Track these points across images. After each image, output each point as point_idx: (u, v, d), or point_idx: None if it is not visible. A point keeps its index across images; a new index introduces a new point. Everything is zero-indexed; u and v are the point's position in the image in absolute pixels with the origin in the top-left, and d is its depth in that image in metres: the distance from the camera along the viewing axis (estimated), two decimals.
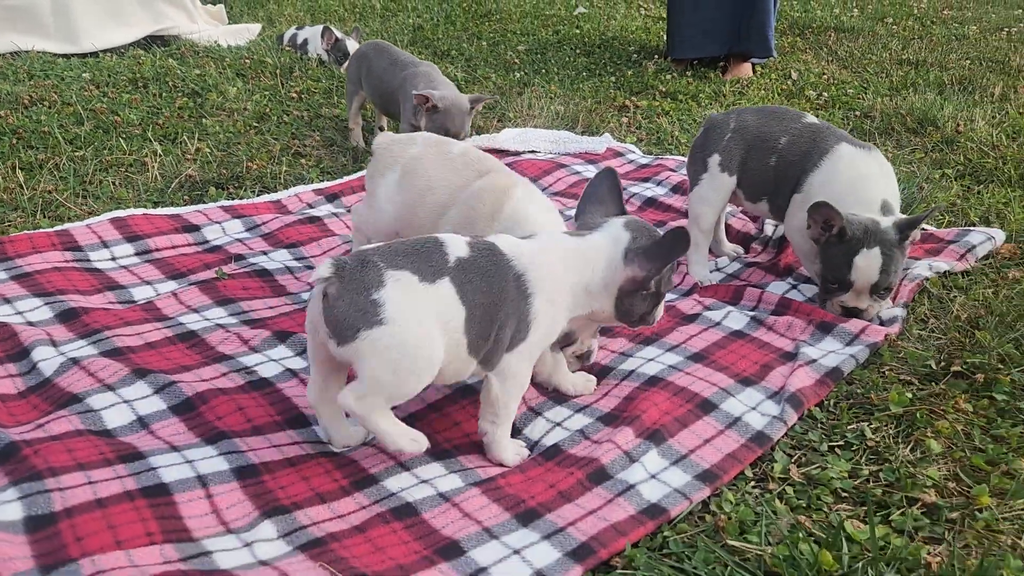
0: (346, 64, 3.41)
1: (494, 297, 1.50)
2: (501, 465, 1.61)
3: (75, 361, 1.77)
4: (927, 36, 5.84)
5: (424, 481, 1.54)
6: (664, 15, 6.26)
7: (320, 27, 4.64)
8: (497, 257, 1.53)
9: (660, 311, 1.71)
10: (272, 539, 1.36)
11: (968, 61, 5.09)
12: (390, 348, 1.40)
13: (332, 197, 2.84)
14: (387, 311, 1.39)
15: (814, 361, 1.91)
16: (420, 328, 1.42)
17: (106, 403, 1.66)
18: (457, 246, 1.52)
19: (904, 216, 2.14)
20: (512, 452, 1.63)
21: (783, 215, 2.34)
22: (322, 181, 2.98)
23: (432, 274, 1.45)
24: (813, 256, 2.19)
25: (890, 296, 2.15)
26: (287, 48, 4.68)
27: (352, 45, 4.43)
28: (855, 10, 6.69)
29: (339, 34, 4.47)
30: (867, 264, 2.04)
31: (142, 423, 1.63)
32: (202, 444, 1.57)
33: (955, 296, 2.24)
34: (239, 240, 2.51)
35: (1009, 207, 2.80)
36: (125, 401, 1.67)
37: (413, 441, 1.52)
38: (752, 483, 1.60)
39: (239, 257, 2.39)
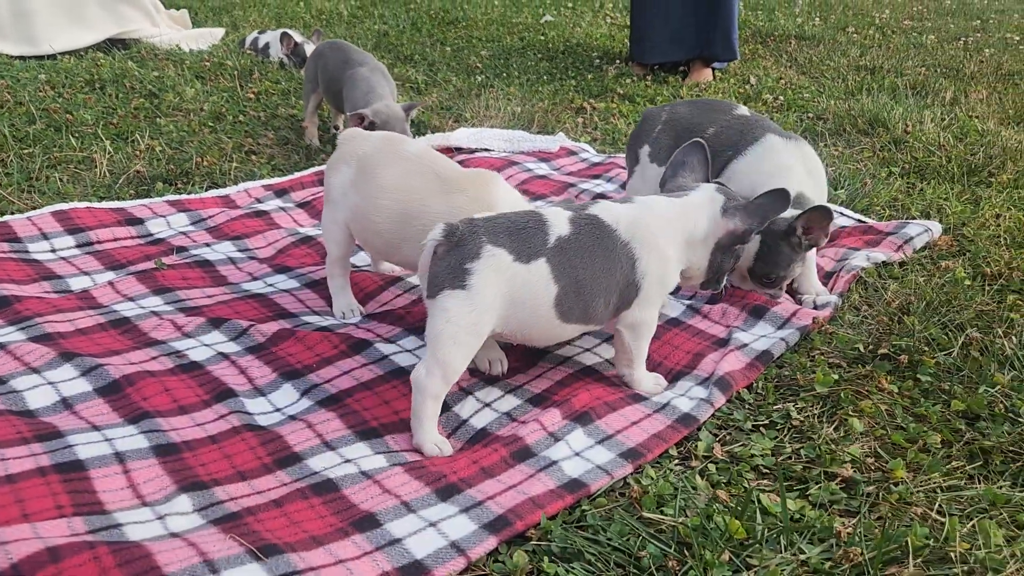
0: (307, 64, 3.41)
1: (598, 269, 1.66)
2: (646, 395, 1.78)
3: (1, 346, 1.76)
4: (886, 44, 5.94)
5: (348, 460, 1.54)
6: (627, 23, 6.34)
7: (282, 31, 4.65)
8: (601, 230, 1.68)
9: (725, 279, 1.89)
10: (187, 512, 1.36)
11: (923, 68, 5.18)
12: (455, 313, 1.55)
13: (281, 192, 2.85)
14: (471, 280, 1.55)
15: (745, 345, 1.93)
16: (487, 308, 1.57)
17: (30, 384, 1.65)
18: (559, 224, 1.65)
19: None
20: (651, 383, 1.82)
21: None
22: (272, 177, 2.98)
23: (528, 255, 1.60)
24: None
25: (777, 288, 2.14)
26: (248, 52, 4.69)
27: (311, 49, 4.44)
28: (817, 19, 6.79)
29: (298, 38, 4.48)
30: (747, 248, 2.05)
31: (65, 404, 1.62)
32: (124, 424, 1.57)
33: (888, 284, 2.28)
34: (183, 233, 2.51)
35: (948, 201, 2.85)
36: (50, 383, 1.67)
37: (435, 446, 1.60)
38: (676, 461, 1.62)
39: (181, 249, 2.39)
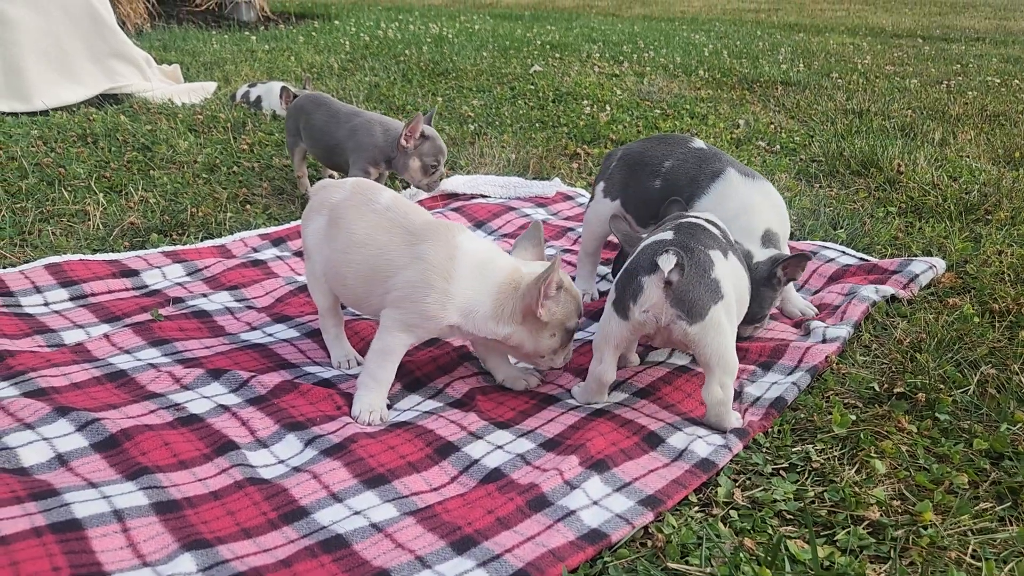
0: (287, 118, 3.40)
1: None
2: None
3: None
4: (871, 89, 6.03)
5: (357, 512, 1.48)
6: (616, 72, 6.42)
7: (273, 83, 4.67)
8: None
9: None
10: (191, 573, 1.29)
11: (910, 110, 5.25)
12: (725, 322, 1.70)
13: (278, 241, 2.81)
14: (723, 288, 1.71)
15: (758, 399, 1.89)
16: (733, 307, 1.76)
17: (24, 441, 1.59)
18: (704, 221, 1.88)
19: (781, 253, 2.12)
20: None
21: None
22: (268, 227, 2.95)
23: (723, 249, 1.80)
24: None
25: (762, 324, 2.19)
26: (240, 104, 4.69)
27: None
28: (801, 66, 6.90)
29: (295, 91, 4.49)
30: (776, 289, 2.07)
31: (61, 460, 1.56)
32: (122, 480, 1.50)
33: (897, 323, 2.25)
34: (179, 284, 2.46)
35: (949, 239, 2.85)
36: (44, 439, 1.60)
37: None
38: (696, 508, 1.56)
39: (177, 300, 2.34)
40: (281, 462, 1.65)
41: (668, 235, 1.81)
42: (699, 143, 2.32)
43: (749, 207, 2.15)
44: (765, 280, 2.05)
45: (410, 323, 1.80)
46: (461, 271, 1.79)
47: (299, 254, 2.74)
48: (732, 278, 1.80)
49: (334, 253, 1.92)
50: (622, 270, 1.80)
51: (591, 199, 2.52)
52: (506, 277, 1.82)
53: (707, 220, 1.93)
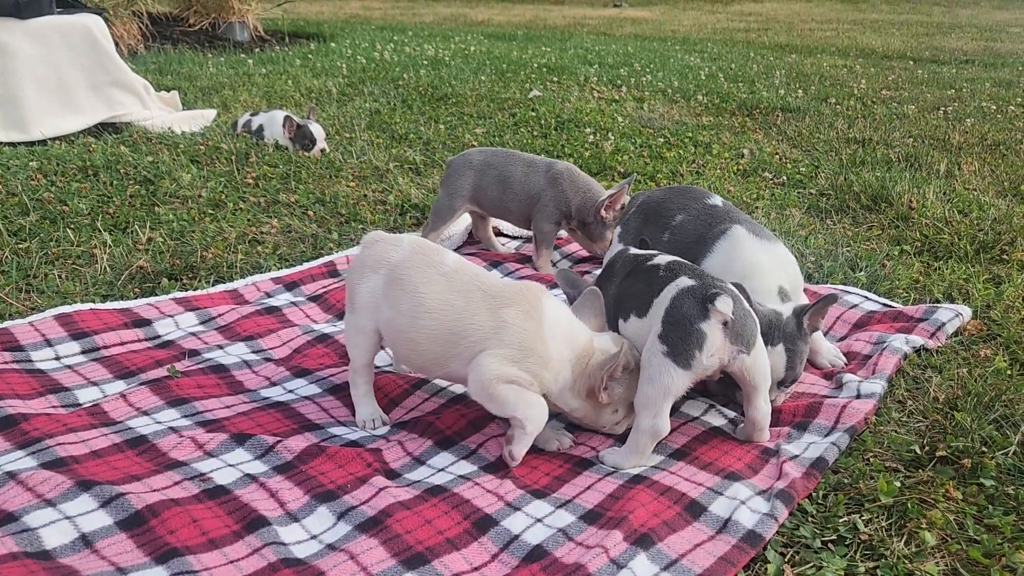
0: (449, 176, 3.08)
1: None
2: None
3: (11, 475, 1.63)
4: (870, 115, 6.05)
5: None
6: (616, 97, 6.41)
7: (275, 112, 4.61)
8: None
9: None
10: None
11: (911, 139, 5.26)
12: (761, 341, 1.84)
13: (291, 285, 2.75)
14: (757, 338, 1.83)
15: (796, 456, 1.85)
16: None
17: (45, 520, 1.52)
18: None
19: (802, 304, 2.08)
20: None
21: None
22: (280, 269, 2.89)
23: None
24: None
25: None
26: (242, 134, 4.63)
27: (316, 128, 4.41)
28: (799, 91, 6.92)
29: (299, 120, 4.44)
30: (774, 363, 1.94)
31: (85, 541, 1.49)
32: (151, 564, 1.44)
33: (930, 376, 2.22)
34: (193, 334, 2.39)
35: (971, 283, 2.82)
36: (67, 517, 1.53)
37: None
38: None
39: (193, 352, 2.28)
40: (314, 537, 1.59)
41: (689, 281, 1.81)
42: (716, 200, 2.30)
43: (756, 266, 2.11)
44: (796, 334, 2.00)
45: (503, 375, 1.77)
46: (551, 336, 1.80)
47: (314, 299, 2.68)
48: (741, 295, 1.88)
49: (399, 317, 1.86)
50: (663, 323, 1.78)
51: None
52: (583, 349, 1.82)
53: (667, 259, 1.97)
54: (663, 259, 1.95)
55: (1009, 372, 2.22)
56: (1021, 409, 2.02)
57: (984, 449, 1.87)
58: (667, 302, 1.80)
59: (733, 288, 1.83)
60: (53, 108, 4.41)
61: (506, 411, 1.78)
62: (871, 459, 1.87)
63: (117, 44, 7.54)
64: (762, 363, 1.83)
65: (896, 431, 1.97)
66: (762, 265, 2.11)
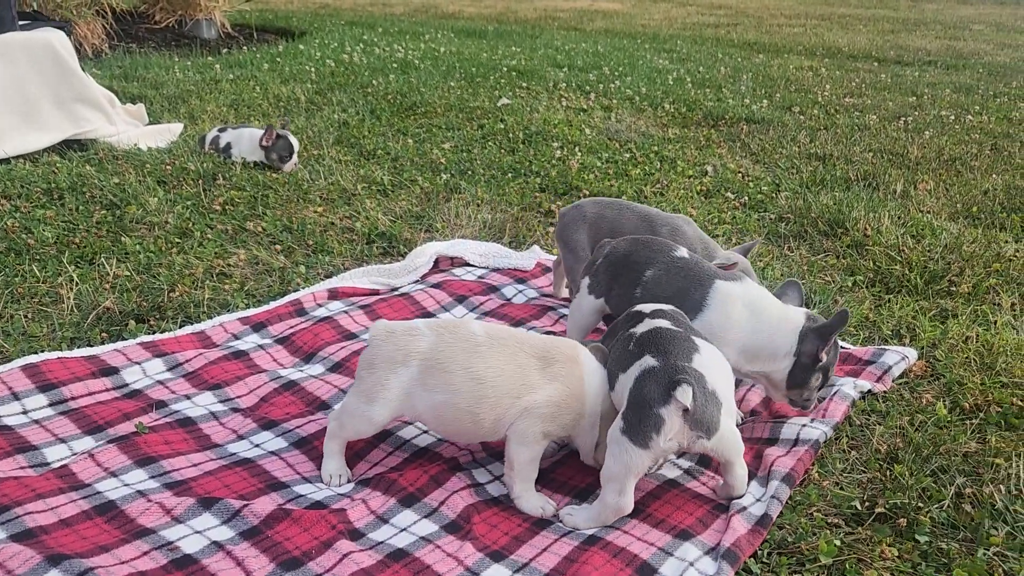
0: (564, 231, 2.94)
1: None
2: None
3: None
4: (832, 126, 6.17)
5: None
6: (584, 106, 6.46)
7: (243, 129, 4.61)
8: None
9: None
10: None
11: (871, 153, 5.39)
12: (728, 422, 1.87)
13: (258, 326, 2.79)
14: (719, 389, 1.85)
15: (744, 509, 1.94)
16: None
17: None
18: (660, 320, 2.04)
19: (812, 322, 2.24)
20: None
21: None
22: (247, 308, 2.92)
23: (692, 338, 1.96)
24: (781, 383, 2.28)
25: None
26: (209, 151, 4.63)
27: (294, 140, 4.43)
28: (764, 100, 7.02)
29: (280, 131, 4.45)
30: (835, 355, 2.26)
31: None
32: None
33: (874, 424, 2.32)
34: (160, 382, 2.43)
35: (918, 320, 2.94)
36: None
37: None
38: None
39: (160, 404, 2.31)
40: None
41: (652, 361, 1.87)
42: (682, 252, 2.36)
43: (758, 307, 2.24)
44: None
45: (549, 432, 1.98)
46: (590, 389, 2.00)
47: (281, 341, 2.72)
48: (714, 363, 1.92)
49: (450, 396, 1.95)
50: (628, 402, 1.85)
51: (576, 291, 2.56)
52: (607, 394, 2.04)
53: (657, 314, 2.05)
54: (641, 327, 2.01)
55: (949, 418, 2.33)
56: (957, 461, 2.13)
57: (920, 504, 1.97)
58: (631, 381, 1.88)
59: (697, 360, 1.87)
60: (17, 125, 4.37)
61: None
62: (814, 514, 1.96)
63: (81, 45, 7.48)
64: (728, 441, 1.88)
65: (839, 484, 2.07)
66: (762, 300, 2.27)
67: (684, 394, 1.75)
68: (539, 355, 1.99)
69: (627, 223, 2.85)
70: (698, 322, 2.21)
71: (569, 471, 2.15)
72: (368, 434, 2.09)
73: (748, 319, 2.22)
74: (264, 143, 4.43)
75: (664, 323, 2.00)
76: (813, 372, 2.21)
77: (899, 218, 4.03)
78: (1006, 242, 3.78)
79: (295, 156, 4.47)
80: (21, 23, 4.65)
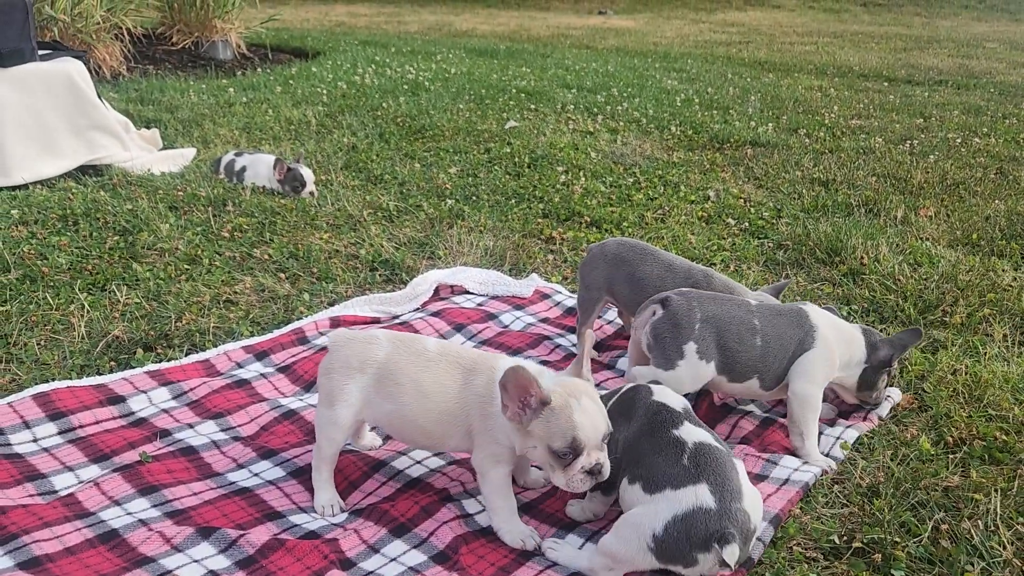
0: (583, 267, 2.97)
1: None
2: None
3: None
4: (837, 149, 6.21)
5: None
6: (591, 128, 6.54)
7: (259, 155, 4.73)
8: None
9: None
10: None
11: (874, 178, 5.43)
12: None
13: (261, 355, 2.87)
14: (749, 507, 1.82)
15: None
16: None
17: None
18: (670, 403, 2.05)
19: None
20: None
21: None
22: (251, 336, 3.01)
23: (703, 432, 1.96)
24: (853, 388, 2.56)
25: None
26: (222, 176, 4.74)
27: (306, 172, 4.54)
28: (771, 123, 7.07)
29: (291, 163, 4.56)
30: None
31: None
32: None
33: (857, 461, 2.37)
34: (165, 411, 2.52)
35: (908, 351, 2.97)
36: None
37: None
38: None
39: (164, 432, 2.40)
40: None
41: (709, 499, 1.74)
42: (770, 299, 2.66)
43: (836, 325, 2.53)
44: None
45: (498, 456, 2.02)
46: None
47: (282, 370, 2.80)
48: (745, 481, 1.85)
49: (401, 407, 2.06)
50: (665, 528, 1.75)
51: (677, 357, 2.38)
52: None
53: (688, 416, 1.98)
54: (690, 434, 1.88)
55: (933, 452, 2.37)
56: (936, 495, 2.17)
57: (897, 539, 2.01)
58: (678, 510, 1.74)
59: (746, 510, 1.77)
60: (34, 153, 4.51)
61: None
62: (793, 547, 2.02)
63: (100, 68, 7.65)
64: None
65: (820, 518, 2.12)
66: (839, 324, 2.56)
67: (731, 555, 1.69)
68: (466, 368, 2.06)
69: (647, 268, 2.81)
70: (811, 354, 2.43)
71: (557, 503, 2.21)
72: (340, 441, 2.14)
73: (838, 339, 2.49)
74: (277, 177, 4.54)
75: (708, 438, 1.88)
76: (881, 375, 2.52)
77: (897, 245, 4.07)
78: (1003, 270, 3.81)
79: (310, 185, 4.58)
80: (41, 53, 4.79)
